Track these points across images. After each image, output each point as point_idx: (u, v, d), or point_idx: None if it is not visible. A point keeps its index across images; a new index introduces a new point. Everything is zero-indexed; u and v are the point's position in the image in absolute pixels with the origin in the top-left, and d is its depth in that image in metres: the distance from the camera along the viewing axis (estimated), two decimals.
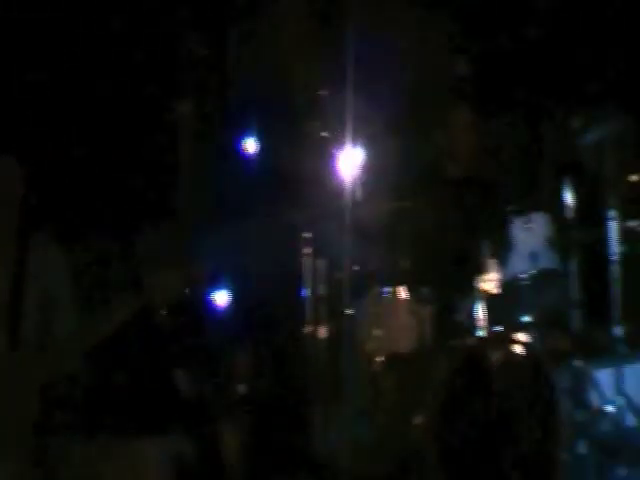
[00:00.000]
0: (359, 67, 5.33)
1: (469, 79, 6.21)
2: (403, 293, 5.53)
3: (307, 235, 5.59)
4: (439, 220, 5.67)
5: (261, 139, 6.08)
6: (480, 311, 5.25)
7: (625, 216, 5.46)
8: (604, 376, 5.35)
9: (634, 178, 5.88)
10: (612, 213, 5.34)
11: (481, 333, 5.22)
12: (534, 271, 5.31)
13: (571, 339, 5.42)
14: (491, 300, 5.28)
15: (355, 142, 5.47)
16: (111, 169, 5.58)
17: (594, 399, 5.27)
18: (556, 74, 6.17)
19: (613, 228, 5.36)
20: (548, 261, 5.33)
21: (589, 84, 6.06)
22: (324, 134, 5.67)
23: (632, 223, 5.78)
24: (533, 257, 5.31)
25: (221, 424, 5.39)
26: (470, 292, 5.33)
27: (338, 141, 5.53)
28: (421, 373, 5.25)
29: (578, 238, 5.47)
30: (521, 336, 5.15)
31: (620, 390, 5.28)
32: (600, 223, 5.41)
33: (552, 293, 5.37)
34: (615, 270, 5.33)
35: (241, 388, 5.71)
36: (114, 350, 4.59)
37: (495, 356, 5.01)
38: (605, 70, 6.11)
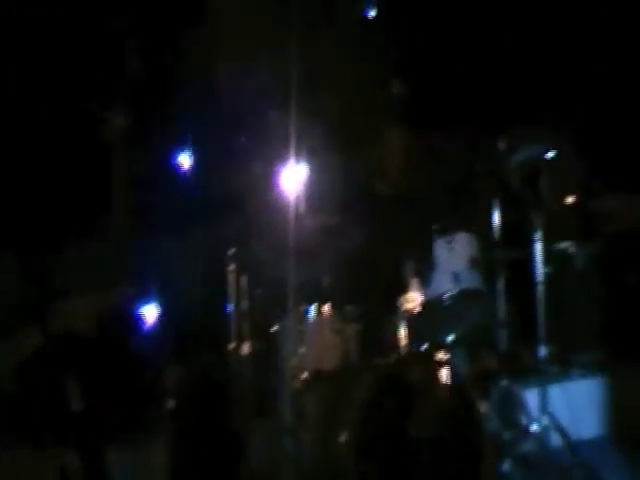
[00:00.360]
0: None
1: (404, 98, 6.21)
2: (328, 311, 5.52)
3: (232, 251, 5.57)
4: (365, 238, 5.66)
5: (195, 154, 6.05)
6: (404, 330, 5.24)
7: (554, 237, 5.51)
8: (531, 395, 5.38)
9: (564, 200, 5.94)
10: (538, 234, 5.36)
11: (404, 352, 5.21)
12: (456, 291, 5.32)
13: (498, 358, 5.44)
14: (415, 319, 5.29)
15: (288, 160, 5.47)
16: (36, 182, 5.53)
17: (521, 418, 5.30)
18: (488, 95, 6.19)
19: (539, 249, 5.38)
20: (471, 281, 5.34)
21: (521, 106, 6.08)
22: (258, 151, 5.66)
23: (562, 244, 5.85)
24: (456, 277, 5.31)
25: (148, 440, 5.37)
26: (394, 311, 5.33)
27: (271, 158, 5.53)
28: (345, 391, 5.24)
29: (503, 258, 5.50)
30: (443, 355, 5.16)
31: (545, 409, 5.30)
32: (526, 244, 5.44)
33: (475, 313, 5.39)
34: (540, 291, 5.35)
35: (169, 404, 5.68)
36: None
37: (417, 375, 5.02)
38: (537, 92, 6.13)
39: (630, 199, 6.20)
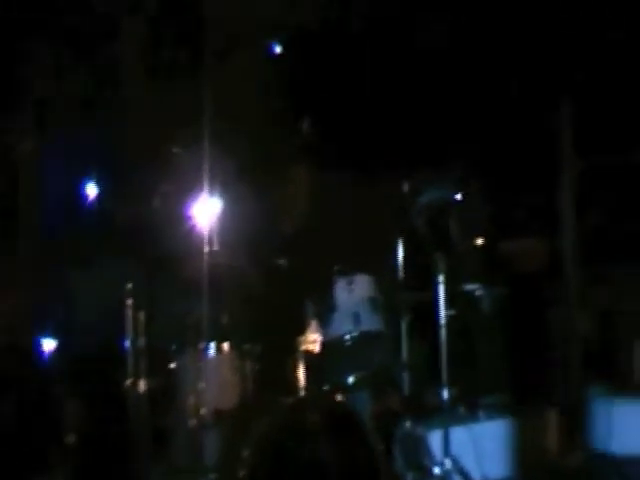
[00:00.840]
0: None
1: (310, 138, 6.17)
2: (227, 348, 5.46)
3: (130, 286, 5.48)
4: (267, 277, 5.61)
5: (100, 186, 5.97)
6: (304, 370, 5.18)
7: (460, 279, 5.50)
8: (435, 437, 5.35)
9: (471, 242, 5.93)
10: (442, 276, 5.34)
11: (303, 392, 5.15)
12: (357, 332, 5.27)
13: (401, 400, 5.40)
14: (315, 360, 5.22)
15: (194, 198, 5.41)
16: None
17: (424, 460, 5.27)
18: (394, 137, 6.18)
19: (442, 291, 5.35)
20: (372, 322, 5.30)
21: (428, 148, 6.07)
22: (165, 187, 5.59)
23: (469, 286, 5.84)
24: (356, 318, 5.27)
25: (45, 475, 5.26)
26: (294, 351, 5.27)
27: (179, 196, 5.46)
28: (243, 430, 5.17)
29: (407, 300, 5.47)
30: (342, 396, 5.11)
31: (448, 452, 5.26)
32: (431, 286, 5.42)
33: (376, 354, 5.34)
34: (443, 333, 5.32)
35: (66, 439, 5.58)
36: None
37: (315, 416, 4.96)
38: (445, 136, 6.13)
39: (533, 243, 6.23)
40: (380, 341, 5.33)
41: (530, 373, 5.98)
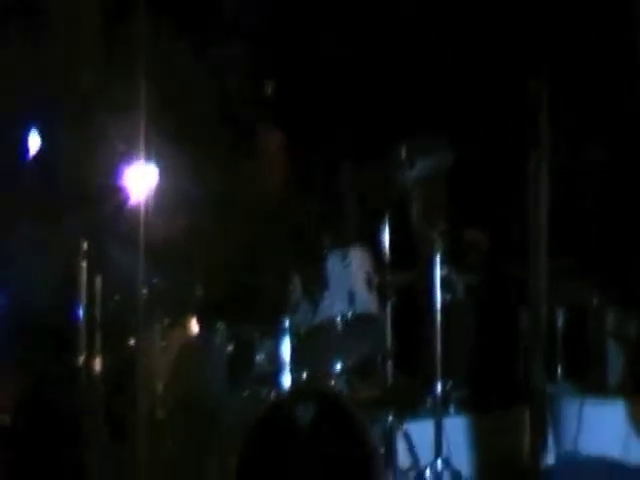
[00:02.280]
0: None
1: (278, 105, 5.59)
2: (196, 325, 4.78)
3: (84, 246, 4.69)
4: (241, 247, 4.98)
5: (45, 139, 5.14)
6: (286, 354, 4.58)
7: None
8: (418, 431, 4.91)
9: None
10: (435, 257, 4.87)
11: (286, 380, 4.55)
12: (349, 314, 4.70)
13: (385, 391, 4.89)
14: (300, 343, 4.63)
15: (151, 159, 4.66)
16: None
17: (407, 456, 4.79)
18: (376, 104, 5.68)
19: (434, 274, 4.88)
20: (367, 303, 4.74)
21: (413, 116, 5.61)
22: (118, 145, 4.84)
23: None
24: (350, 297, 4.70)
25: None
26: (275, 331, 4.65)
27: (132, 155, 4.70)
28: (213, 421, 4.53)
29: (393, 282, 4.96)
30: (333, 387, 4.57)
31: (437, 447, 4.84)
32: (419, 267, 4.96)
33: (369, 339, 4.80)
34: (434, 320, 4.86)
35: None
36: None
37: (304, 410, 4.40)
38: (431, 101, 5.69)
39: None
40: (375, 325, 4.79)
41: (500, 369, 5.63)
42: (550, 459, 5.33)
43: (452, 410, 5.36)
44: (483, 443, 5.34)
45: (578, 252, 5.73)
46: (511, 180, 5.69)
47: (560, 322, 5.67)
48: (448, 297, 5.29)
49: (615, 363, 5.65)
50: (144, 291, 4.43)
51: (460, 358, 5.46)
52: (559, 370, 5.67)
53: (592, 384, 5.64)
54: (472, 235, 5.89)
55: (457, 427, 5.27)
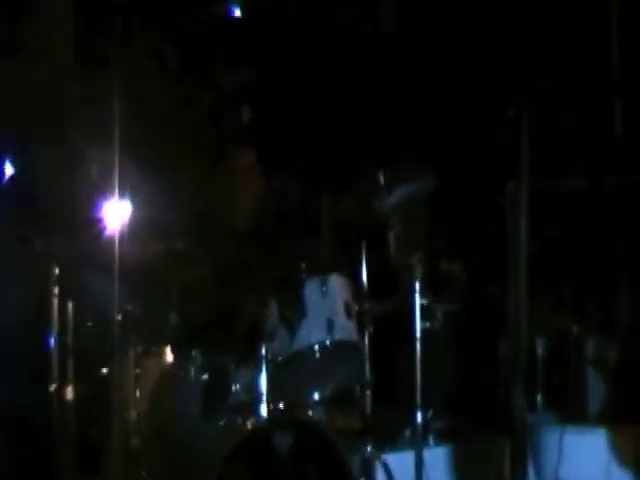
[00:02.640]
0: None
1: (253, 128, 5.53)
2: (170, 354, 4.68)
3: (56, 271, 4.59)
4: (214, 272, 4.89)
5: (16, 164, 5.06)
6: (263, 383, 4.48)
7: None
8: (398, 462, 4.80)
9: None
10: (414, 284, 4.78)
11: (263, 409, 4.44)
12: (328, 341, 4.61)
13: (364, 421, 4.78)
14: (277, 371, 4.53)
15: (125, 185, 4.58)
16: None
17: None
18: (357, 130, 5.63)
19: (412, 302, 4.80)
20: (346, 331, 4.65)
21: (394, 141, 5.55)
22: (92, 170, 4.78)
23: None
24: (329, 325, 4.60)
25: None
26: (251, 359, 4.55)
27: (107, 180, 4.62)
28: (188, 451, 4.41)
29: (371, 310, 4.87)
30: (311, 416, 4.47)
31: (417, 478, 4.73)
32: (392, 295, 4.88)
33: (348, 368, 4.71)
34: (413, 349, 4.76)
35: None
36: None
37: (282, 438, 4.30)
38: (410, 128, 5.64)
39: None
40: (355, 353, 4.69)
41: (479, 398, 5.54)
42: None
43: (432, 441, 5.27)
44: (463, 473, 5.26)
45: (557, 280, 5.68)
46: (490, 208, 5.66)
47: (540, 350, 5.60)
48: (427, 325, 5.22)
49: (595, 391, 5.59)
50: (118, 317, 4.35)
51: (440, 387, 5.38)
52: (539, 399, 5.60)
53: (573, 413, 5.57)
54: (448, 266, 5.83)
55: (437, 457, 5.19)
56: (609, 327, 5.74)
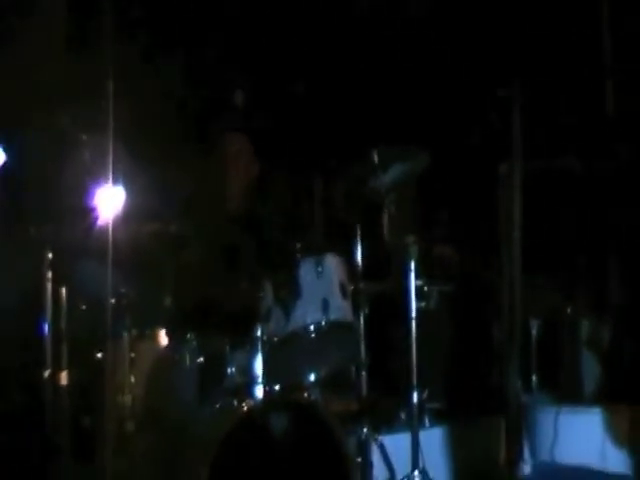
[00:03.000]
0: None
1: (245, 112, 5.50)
2: (165, 337, 4.66)
3: (50, 256, 4.56)
4: (208, 254, 4.87)
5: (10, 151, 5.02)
6: (258, 365, 4.45)
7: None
8: (394, 443, 4.81)
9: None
10: (409, 264, 4.77)
11: (259, 391, 4.42)
12: (323, 322, 4.59)
13: (360, 403, 4.77)
14: (272, 353, 4.50)
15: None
16: None
17: (383, 468, 4.69)
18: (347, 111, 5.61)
19: (408, 283, 4.78)
20: (341, 311, 4.63)
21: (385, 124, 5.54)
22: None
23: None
24: (324, 305, 4.58)
25: None
26: (246, 341, 4.53)
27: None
28: (184, 434, 4.39)
29: (366, 290, 4.86)
30: (307, 398, 4.45)
31: (414, 459, 4.72)
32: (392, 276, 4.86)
33: (343, 349, 4.69)
34: (410, 330, 4.75)
35: None
36: None
37: (277, 421, 4.28)
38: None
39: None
40: (350, 333, 4.68)
41: (475, 380, 5.54)
42: (527, 469, 5.28)
43: (427, 422, 5.27)
44: (459, 454, 5.26)
45: (551, 262, 5.68)
46: (484, 189, 5.64)
47: (534, 332, 5.61)
48: (422, 305, 5.21)
49: (589, 371, 5.60)
50: (112, 301, 4.32)
51: (435, 368, 5.37)
52: (534, 380, 5.62)
53: (567, 393, 5.58)
54: (441, 250, 5.83)
55: (433, 438, 5.19)
56: (602, 308, 5.75)
